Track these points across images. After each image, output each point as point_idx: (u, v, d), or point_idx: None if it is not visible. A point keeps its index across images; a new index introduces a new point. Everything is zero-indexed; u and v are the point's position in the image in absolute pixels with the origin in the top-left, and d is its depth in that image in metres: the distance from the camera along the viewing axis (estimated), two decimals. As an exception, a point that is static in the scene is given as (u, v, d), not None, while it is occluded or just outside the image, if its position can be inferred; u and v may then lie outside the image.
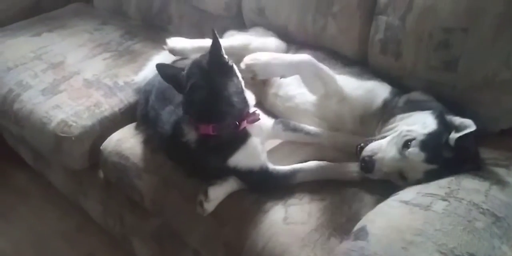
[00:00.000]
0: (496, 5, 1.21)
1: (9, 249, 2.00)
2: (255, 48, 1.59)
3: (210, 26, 1.90)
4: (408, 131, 1.23)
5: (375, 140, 1.29)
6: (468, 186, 1.09)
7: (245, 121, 1.24)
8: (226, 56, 1.24)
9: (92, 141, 1.64)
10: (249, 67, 1.35)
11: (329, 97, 1.42)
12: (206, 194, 1.25)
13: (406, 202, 1.06)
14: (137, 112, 1.62)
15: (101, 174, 1.70)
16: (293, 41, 1.68)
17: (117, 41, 2.06)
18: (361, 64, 1.55)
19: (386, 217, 1.04)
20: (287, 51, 1.66)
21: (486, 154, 1.24)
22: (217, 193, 1.27)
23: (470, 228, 0.96)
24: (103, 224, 1.86)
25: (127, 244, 1.76)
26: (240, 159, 1.24)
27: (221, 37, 1.77)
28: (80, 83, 1.78)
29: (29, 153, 2.08)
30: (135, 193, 1.49)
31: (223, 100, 1.21)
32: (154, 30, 2.15)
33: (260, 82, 1.63)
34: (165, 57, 1.68)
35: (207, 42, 1.58)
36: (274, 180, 1.30)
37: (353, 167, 1.32)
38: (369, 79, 1.44)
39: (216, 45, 1.22)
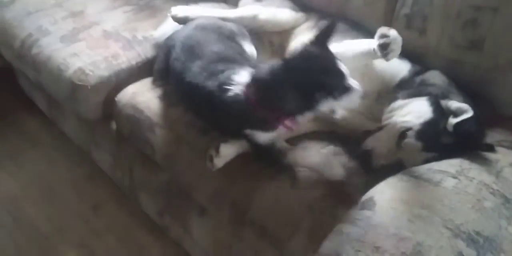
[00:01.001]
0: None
1: (18, 191, 2.04)
2: (264, 19, 1.59)
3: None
4: (403, 121, 1.23)
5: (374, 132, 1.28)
6: (480, 166, 1.08)
7: (283, 122, 1.21)
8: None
9: (107, 92, 1.65)
10: None
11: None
12: (217, 149, 1.26)
13: (416, 177, 1.07)
14: (154, 67, 1.61)
15: (113, 125, 1.71)
16: (315, 10, 1.65)
17: (139, -5, 2.03)
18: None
19: (395, 189, 1.05)
20: (305, 21, 1.64)
21: (502, 136, 1.24)
22: (228, 150, 1.28)
23: (479, 206, 0.96)
24: (112, 176, 1.90)
25: (134, 198, 1.79)
26: (252, 134, 1.25)
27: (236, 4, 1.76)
28: (99, 34, 1.77)
29: (44, 100, 2.10)
30: (147, 146, 1.50)
31: (280, 97, 1.16)
32: (176, -14, 2.11)
33: (279, 48, 1.62)
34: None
35: (209, 11, 1.59)
36: (276, 154, 1.31)
37: None
38: None
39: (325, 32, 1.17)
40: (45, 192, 2.04)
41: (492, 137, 1.24)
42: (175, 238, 1.68)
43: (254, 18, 1.58)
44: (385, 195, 1.03)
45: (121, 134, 1.67)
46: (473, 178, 1.03)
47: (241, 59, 1.38)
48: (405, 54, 1.39)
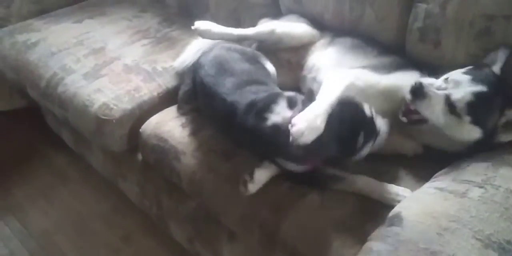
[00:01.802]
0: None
1: (50, 226, 2.08)
2: (282, 33, 1.62)
3: (247, 14, 1.93)
4: (455, 91, 1.21)
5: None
6: (506, 174, 1.08)
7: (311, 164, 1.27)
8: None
9: (132, 124, 1.69)
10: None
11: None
12: (252, 175, 1.28)
13: (441, 189, 1.08)
14: (180, 92, 1.66)
15: (139, 156, 1.75)
16: (329, 28, 1.69)
17: (155, 28, 2.10)
18: (397, 51, 1.53)
19: (421, 203, 1.06)
20: (320, 38, 1.67)
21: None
22: (263, 175, 1.30)
23: (507, 215, 0.96)
24: (140, 206, 1.92)
25: (163, 226, 1.81)
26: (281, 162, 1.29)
27: (255, 25, 1.81)
28: (120, 68, 1.83)
29: (70, 136, 2.16)
30: (174, 175, 1.53)
31: (336, 142, 1.18)
32: (191, 18, 2.13)
33: (297, 67, 1.65)
34: (203, 42, 1.72)
35: (232, 30, 1.65)
36: (317, 177, 1.32)
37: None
38: (397, 69, 1.41)
39: None
40: (75, 226, 2.08)
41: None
42: (206, 264, 1.69)
43: (272, 32, 1.62)
44: (412, 209, 1.04)
45: (147, 165, 1.71)
46: (499, 186, 1.03)
47: (268, 80, 1.43)
48: (420, 66, 1.44)
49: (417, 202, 1.07)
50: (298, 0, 1.75)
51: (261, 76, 1.45)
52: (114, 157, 1.90)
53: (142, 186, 1.82)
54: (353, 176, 1.29)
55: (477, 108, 1.19)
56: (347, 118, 1.20)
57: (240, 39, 1.66)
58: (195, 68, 1.56)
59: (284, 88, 1.44)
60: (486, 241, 0.91)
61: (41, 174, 2.36)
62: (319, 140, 1.15)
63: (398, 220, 1.01)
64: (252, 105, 1.30)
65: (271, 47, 1.66)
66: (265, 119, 1.25)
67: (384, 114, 1.31)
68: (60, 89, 1.82)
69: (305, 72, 1.61)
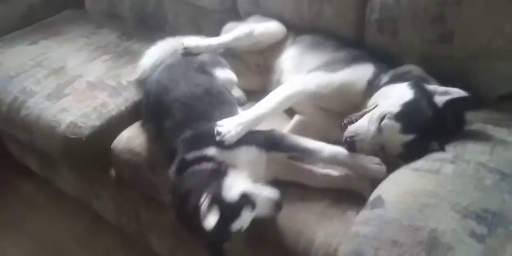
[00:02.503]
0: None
1: (24, 258, 2.02)
2: (259, 34, 1.65)
3: (207, 21, 1.96)
4: (385, 106, 1.24)
5: (356, 117, 1.29)
6: (473, 148, 1.14)
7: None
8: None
9: (102, 141, 1.67)
10: None
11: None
12: None
13: (416, 169, 1.11)
14: (142, 111, 1.65)
15: (112, 173, 1.73)
16: (290, 27, 1.72)
17: (115, 43, 2.10)
18: (357, 44, 1.58)
19: (399, 184, 1.09)
20: (286, 36, 1.71)
21: (487, 115, 1.29)
22: None
23: (480, 186, 1.01)
24: (117, 223, 1.89)
25: (143, 240, 1.79)
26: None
27: (219, 30, 1.83)
28: (84, 86, 1.81)
29: (35, 161, 2.11)
30: (151, 188, 1.53)
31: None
32: (150, 30, 2.19)
33: (264, 69, 1.68)
34: (160, 48, 1.74)
35: (211, 40, 1.65)
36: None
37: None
38: (351, 63, 1.45)
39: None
40: (51, 253, 2.03)
41: (478, 116, 1.29)
42: (191, 275, 1.67)
43: (250, 35, 1.64)
44: (391, 191, 1.07)
45: (121, 180, 1.69)
46: (469, 160, 1.08)
47: (207, 104, 1.40)
48: (380, 56, 1.49)
49: (395, 184, 1.10)
50: (256, 2, 1.78)
51: (204, 103, 1.40)
52: (85, 177, 1.87)
53: (117, 202, 1.80)
54: (328, 147, 1.28)
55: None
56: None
57: (221, 48, 1.67)
58: (146, 92, 1.57)
59: (253, 92, 1.47)
60: (464, 212, 0.95)
61: (8, 204, 2.29)
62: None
63: (379, 202, 1.04)
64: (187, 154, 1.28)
65: (247, 49, 1.69)
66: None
67: (339, 116, 1.36)
68: (23, 112, 1.78)
69: (271, 75, 1.64)
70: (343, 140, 1.25)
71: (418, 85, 1.25)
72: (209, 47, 1.64)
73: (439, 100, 1.19)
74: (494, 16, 1.29)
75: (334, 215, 1.21)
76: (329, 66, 1.47)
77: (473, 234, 0.91)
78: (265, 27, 1.68)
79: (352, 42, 1.59)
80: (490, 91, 1.40)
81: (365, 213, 1.06)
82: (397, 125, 1.20)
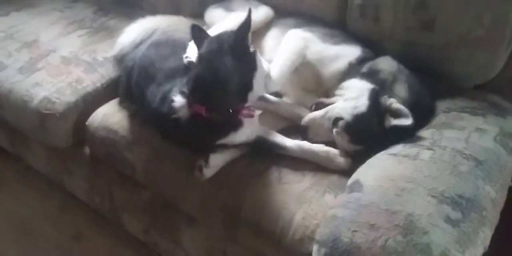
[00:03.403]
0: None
1: (-8, 236, 1.98)
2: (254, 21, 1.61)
3: (186, 0, 1.92)
4: (341, 108, 1.30)
5: (324, 104, 1.36)
6: (449, 135, 1.17)
7: (241, 113, 1.25)
8: (250, 42, 1.24)
9: (77, 117, 1.64)
10: None
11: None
12: (206, 160, 1.28)
13: (394, 154, 1.14)
14: (119, 89, 1.63)
15: (86, 150, 1.70)
16: (273, 9, 1.70)
17: (91, 18, 2.04)
18: (339, 28, 1.58)
19: (378, 169, 1.12)
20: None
21: (464, 103, 1.33)
22: (218, 160, 1.30)
23: (456, 172, 1.04)
24: (89, 202, 1.87)
25: (116, 220, 1.77)
26: (228, 140, 1.28)
27: (198, 10, 1.79)
28: (58, 61, 1.76)
29: (5, 137, 2.04)
30: (127, 166, 1.51)
31: (223, 84, 1.20)
32: (127, 6, 2.13)
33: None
34: (140, 26, 1.71)
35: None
36: (261, 146, 1.35)
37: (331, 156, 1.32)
38: (341, 41, 1.48)
39: (244, 27, 1.21)
40: (20, 230, 1.98)
41: (455, 104, 1.33)
42: (165, 253, 1.68)
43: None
44: (370, 175, 1.10)
45: (95, 159, 1.67)
46: (446, 147, 1.11)
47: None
48: (362, 41, 1.50)
49: (373, 168, 1.12)
50: (238, -19, 1.75)
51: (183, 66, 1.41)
52: (58, 154, 1.83)
53: (91, 181, 1.77)
54: (290, 143, 1.34)
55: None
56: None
57: None
58: (127, 66, 1.55)
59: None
60: (440, 197, 0.98)
61: (-25, 180, 2.23)
62: (219, 89, 1.20)
63: (358, 186, 1.07)
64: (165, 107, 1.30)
65: None
66: (176, 118, 1.26)
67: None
68: (-7, 86, 1.72)
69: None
70: (301, 128, 1.35)
71: (375, 98, 1.28)
72: None
73: (387, 121, 1.23)
74: (475, 5, 1.31)
75: (312, 198, 1.22)
76: (321, 38, 1.49)
77: (448, 219, 0.94)
78: (262, 16, 1.64)
79: (335, 26, 1.59)
80: (467, 80, 1.44)
81: (343, 197, 1.09)
82: (346, 136, 1.28)
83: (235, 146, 1.32)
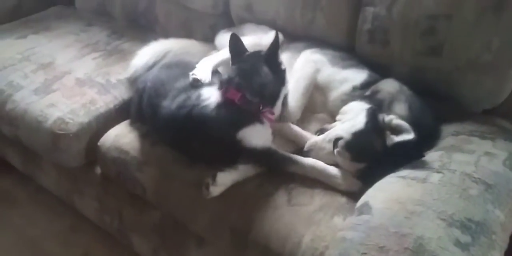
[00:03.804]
0: (475, -8, 1.31)
1: (4, 254, 1.97)
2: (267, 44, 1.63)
3: (198, 24, 1.96)
4: (340, 129, 1.33)
5: (326, 130, 1.39)
6: (459, 159, 1.17)
7: (264, 113, 1.35)
8: (281, 59, 1.40)
9: (89, 138, 1.66)
10: None
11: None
12: (214, 178, 1.30)
13: (403, 177, 1.14)
14: (131, 110, 1.66)
15: (98, 170, 1.72)
16: (282, 34, 1.72)
17: (105, 41, 2.09)
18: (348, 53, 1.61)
19: (387, 191, 1.12)
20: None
21: (473, 127, 1.34)
22: (225, 179, 1.31)
23: (465, 195, 1.04)
24: (99, 222, 1.87)
25: (125, 240, 1.78)
26: (248, 134, 1.32)
27: (210, 34, 1.84)
28: (72, 82, 1.80)
29: (17, 157, 2.07)
30: (137, 186, 1.52)
31: (262, 78, 1.35)
32: (140, 29, 2.19)
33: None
34: (153, 49, 1.75)
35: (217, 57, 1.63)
36: (274, 159, 1.36)
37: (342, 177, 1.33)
38: (350, 65, 1.51)
39: (275, 45, 1.37)
40: (30, 250, 1.99)
41: (464, 128, 1.34)
42: (174, 274, 1.67)
43: (258, 44, 1.61)
44: (379, 198, 1.09)
45: (106, 179, 1.69)
46: (455, 170, 1.11)
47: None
48: (370, 65, 1.53)
49: (382, 191, 1.12)
50: (249, 8, 1.80)
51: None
52: (69, 174, 1.85)
53: (101, 201, 1.79)
54: (302, 159, 1.35)
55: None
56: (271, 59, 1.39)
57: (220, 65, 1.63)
58: (139, 88, 1.58)
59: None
60: (450, 220, 0.98)
61: (-14, 199, 2.25)
62: (256, 79, 1.35)
63: (367, 208, 1.07)
64: (185, 106, 1.38)
65: None
66: (204, 107, 1.34)
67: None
68: (8, 106, 1.76)
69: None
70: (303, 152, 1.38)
71: (372, 115, 1.30)
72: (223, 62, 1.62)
73: (389, 139, 1.24)
74: (483, 31, 1.33)
75: (321, 220, 1.22)
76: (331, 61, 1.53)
77: (457, 243, 0.94)
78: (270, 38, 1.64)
79: (344, 50, 1.61)
80: (475, 104, 1.45)
81: (352, 219, 1.08)
82: (347, 154, 1.29)
83: (244, 165, 1.34)
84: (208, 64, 1.55)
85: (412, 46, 1.45)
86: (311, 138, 1.40)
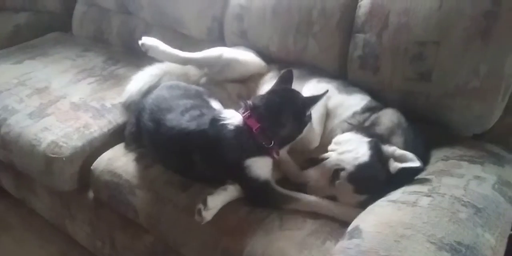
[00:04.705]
0: (462, 20, 1.35)
1: (-9, 281, 1.96)
2: (229, 58, 1.69)
3: (193, 51, 2.00)
4: (339, 160, 1.32)
5: (318, 158, 1.38)
6: (448, 182, 1.18)
7: (272, 151, 1.34)
8: (310, 111, 1.38)
9: (83, 162, 1.67)
10: None
11: None
12: (205, 202, 1.29)
13: (393, 201, 1.15)
14: (125, 131, 1.67)
15: (90, 194, 1.71)
16: (274, 60, 1.78)
17: (101, 67, 2.12)
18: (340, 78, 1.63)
19: (377, 215, 1.12)
20: (268, 70, 1.74)
21: (462, 151, 1.35)
22: (216, 201, 1.31)
23: (455, 219, 1.04)
24: (90, 247, 1.86)
25: (116, 266, 1.76)
26: (255, 164, 1.32)
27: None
28: (67, 106, 1.82)
29: (11, 181, 2.07)
30: (129, 210, 1.52)
31: (283, 119, 1.34)
32: (136, 55, 2.19)
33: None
34: (147, 73, 1.77)
35: (178, 52, 1.71)
36: (271, 195, 1.35)
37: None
38: (353, 91, 1.54)
39: (314, 101, 1.36)
40: (19, 276, 1.97)
41: (453, 153, 1.35)
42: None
43: (220, 57, 1.67)
44: (369, 221, 1.10)
45: (99, 203, 1.68)
46: (445, 194, 1.12)
47: (207, 109, 1.48)
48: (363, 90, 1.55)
49: (373, 215, 1.13)
50: (243, 34, 1.84)
51: (201, 105, 1.50)
52: (62, 198, 1.84)
53: (93, 225, 1.77)
54: (306, 196, 1.34)
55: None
56: (294, 97, 1.38)
57: (186, 63, 1.70)
58: (138, 109, 1.59)
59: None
60: (439, 244, 0.98)
61: (-21, 224, 2.22)
62: (278, 116, 1.34)
63: (357, 232, 1.07)
64: (201, 120, 1.38)
65: (219, 75, 1.71)
66: (223, 125, 1.34)
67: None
68: (3, 130, 1.77)
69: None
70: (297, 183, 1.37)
71: (376, 147, 1.30)
72: (173, 57, 1.69)
73: (393, 166, 1.26)
74: (471, 57, 1.36)
75: (313, 245, 1.22)
76: (337, 88, 1.55)
77: (447, 266, 0.94)
78: (238, 54, 1.71)
79: (336, 77, 1.64)
80: (465, 129, 1.46)
81: (343, 243, 1.08)
82: (350, 187, 1.29)
83: (233, 185, 1.35)
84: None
85: (402, 72, 1.48)
86: (304, 172, 1.39)
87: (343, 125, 1.46)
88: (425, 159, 1.35)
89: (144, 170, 1.53)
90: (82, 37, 2.48)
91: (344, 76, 1.64)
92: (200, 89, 1.64)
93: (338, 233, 1.23)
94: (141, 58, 2.14)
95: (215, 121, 1.35)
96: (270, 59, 1.79)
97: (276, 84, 1.43)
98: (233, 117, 1.35)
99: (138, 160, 1.58)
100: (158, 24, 2.20)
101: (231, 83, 1.74)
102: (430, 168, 1.31)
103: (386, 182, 1.26)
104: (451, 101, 1.43)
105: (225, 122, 1.34)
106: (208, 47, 1.95)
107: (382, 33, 1.49)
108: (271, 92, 1.41)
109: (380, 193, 1.23)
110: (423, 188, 1.17)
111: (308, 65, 1.71)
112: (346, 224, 1.20)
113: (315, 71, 1.66)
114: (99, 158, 1.64)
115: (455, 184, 1.17)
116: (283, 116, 1.34)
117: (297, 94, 1.40)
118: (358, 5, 1.56)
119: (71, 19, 2.55)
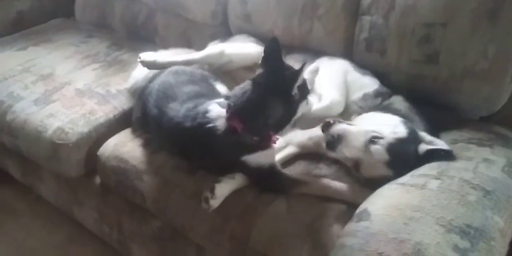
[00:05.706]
0: (469, 1, 1.34)
1: (0, 266, 1.98)
2: (231, 53, 1.67)
3: (197, 35, 1.99)
4: (377, 129, 1.28)
5: (340, 121, 1.34)
6: (457, 165, 1.18)
7: (271, 140, 1.32)
8: (295, 90, 1.27)
9: (89, 147, 1.68)
10: None
11: None
12: (212, 191, 1.29)
13: (402, 184, 1.14)
14: (133, 117, 1.67)
15: (97, 180, 1.72)
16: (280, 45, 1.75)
17: (105, 52, 2.12)
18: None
19: (386, 198, 1.12)
20: None
21: (470, 134, 1.34)
22: (223, 190, 1.31)
23: (464, 201, 1.04)
24: (98, 232, 1.87)
25: (124, 250, 1.77)
26: (253, 157, 1.31)
27: (206, 45, 1.86)
28: (72, 93, 1.82)
29: (17, 168, 2.08)
30: (137, 195, 1.52)
31: (267, 115, 1.27)
32: (140, 41, 2.22)
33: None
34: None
35: (177, 57, 1.66)
36: (279, 180, 1.35)
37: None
38: (366, 73, 1.53)
39: (294, 77, 1.26)
40: (28, 261, 1.98)
41: (461, 136, 1.35)
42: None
43: (221, 54, 1.65)
44: (378, 204, 1.09)
45: (106, 188, 1.69)
46: (454, 177, 1.11)
47: (212, 94, 1.47)
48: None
49: (382, 197, 1.13)
50: (247, 19, 1.82)
51: (204, 91, 1.49)
52: (69, 184, 1.85)
53: (101, 210, 1.78)
54: (315, 179, 1.34)
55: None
56: (280, 80, 1.27)
57: (187, 65, 1.67)
58: (144, 94, 1.58)
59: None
60: (448, 226, 0.98)
61: (-13, 210, 2.24)
62: (262, 112, 1.26)
63: (365, 215, 1.07)
64: (191, 119, 1.35)
65: (221, 70, 1.70)
66: (207, 128, 1.30)
67: None
68: (9, 117, 1.77)
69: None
70: (328, 135, 1.30)
71: (412, 128, 1.29)
72: (174, 64, 1.64)
73: (422, 147, 1.25)
74: (479, 38, 1.35)
75: (321, 227, 1.22)
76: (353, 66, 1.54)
77: (456, 248, 0.94)
78: (239, 48, 1.71)
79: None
80: (473, 112, 1.46)
81: (351, 225, 1.08)
82: (386, 156, 1.25)
83: (240, 175, 1.35)
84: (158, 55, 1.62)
85: (409, 54, 1.47)
86: (341, 124, 1.32)
87: (353, 107, 1.46)
88: None
89: (151, 155, 1.54)
90: (85, 23, 2.46)
91: (350, 59, 1.63)
92: (205, 73, 1.63)
93: (346, 216, 1.22)
94: (145, 43, 2.16)
95: (203, 124, 1.32)
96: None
97: (264, 58, 1.32)
98: (219, 118, 1.31)
99: (144, 145, 1.58)
100: (161, 9, 2.18)
101: (238, 69, 1.73)
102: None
103: (413, 165, 1.24)
104: (458, 83, 1.42)
105: (211, 125, 1.31)
106: (212, 32, 1.97)
107: (389, 15, 1.47)
108: (250, 83, 1.30)
109: (402, 174, 1.22)
110: (432, 171, 1.16)
111: (313, 49, 1.69)
112: (354, 207, 1.20)
113: (319, 55, 1.65)
114: (105, 144, 1.64)
115: (464, 167, 1.16)
116: (266, 107, 1.26)
117: (277, 76, 1.28)
118: (364, -14, 1.54)
119: (73, 5, 2.53)
